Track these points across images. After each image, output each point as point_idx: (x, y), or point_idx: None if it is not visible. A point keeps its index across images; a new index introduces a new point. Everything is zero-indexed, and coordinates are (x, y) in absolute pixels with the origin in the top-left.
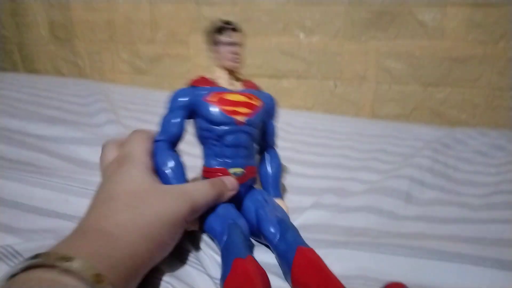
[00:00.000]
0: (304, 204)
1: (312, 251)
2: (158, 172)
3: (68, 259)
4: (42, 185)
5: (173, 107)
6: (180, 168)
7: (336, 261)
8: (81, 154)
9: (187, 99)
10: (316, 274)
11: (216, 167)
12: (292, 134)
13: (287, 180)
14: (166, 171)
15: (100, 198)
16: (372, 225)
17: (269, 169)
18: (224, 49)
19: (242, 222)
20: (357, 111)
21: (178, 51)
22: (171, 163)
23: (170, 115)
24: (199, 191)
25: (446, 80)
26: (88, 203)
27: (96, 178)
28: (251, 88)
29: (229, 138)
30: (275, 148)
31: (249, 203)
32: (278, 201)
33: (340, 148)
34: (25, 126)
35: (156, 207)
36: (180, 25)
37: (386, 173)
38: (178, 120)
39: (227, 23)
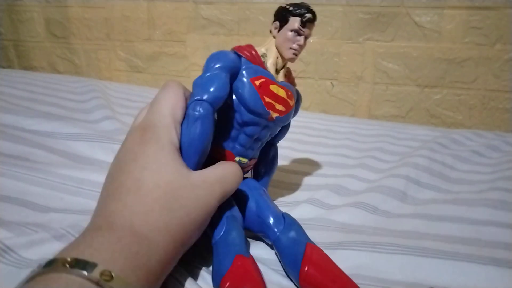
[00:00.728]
0: (300, 200)
1: (321, 250)
2: (184, 139)
3: (108, 277)
4: (36, 183)
5: (220, 66)
6: (208, 150)
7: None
8: (77, 149)
9: (233, 64)
10: (330, 273)
11: (224, 148)
12: (289, 133)
13: (284, 177)
14: (198, 154)
15: (125, 185)
16: (367, 223)
17: (267, 167)
18: (292, 37)
19: (238, 215)
20: (354, 111)
21: (175, 50)
22: (206, 143)
23: (216, 73)
24: (228, 179)
25: (442, 81)
26: (83, 202)
27: (92, 177)
28: (290, 83)
29: (253, 129)
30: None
31: (246, 191)
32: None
33: (337, 147)
34: (20, 121)
35: (190, 207)
36: (178, 24)
37: (382, 172)
38: (226, 80)
39: (311, 11)
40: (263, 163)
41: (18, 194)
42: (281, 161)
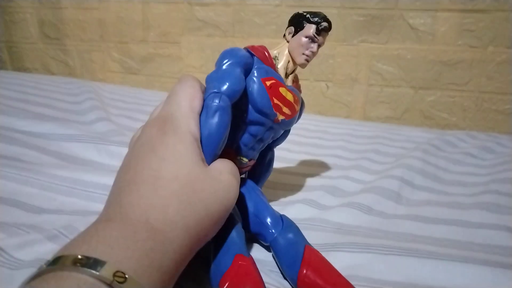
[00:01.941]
0: (295, 200)
1: (319, 253)
2: (202, 131)
3: (122, 278)
4: (29, 184)
5: (234, 61)
6: (225, 143)
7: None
8: (71, 150)
9: (246, 61)
10: (328, 276)
11: (226, 146)
12: None
13: (279, 178)
14: (216, 146)
15: (142, 176)
16: (362, 223)
17: (262, 170)
18: (306, 43)
19: (238, 214)
20: (349, 113)
21: (170, 51)
22: (224, 135)
23: (230, 68)
24: (237, 174)
25: (436, 83)
26: (76, 203)
27: (86, 178)
28: (297, 89)
29: (258, 129)
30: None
31: (244, 191)
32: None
33: (332, 148)
34: (13, 122)
35: (208, 201)
36: (172, 25)
37: (377, 174)
38: (241, 76)
39: (327, 21)
40: (259, 166)
41: (11, 195)
42: (277, 162)
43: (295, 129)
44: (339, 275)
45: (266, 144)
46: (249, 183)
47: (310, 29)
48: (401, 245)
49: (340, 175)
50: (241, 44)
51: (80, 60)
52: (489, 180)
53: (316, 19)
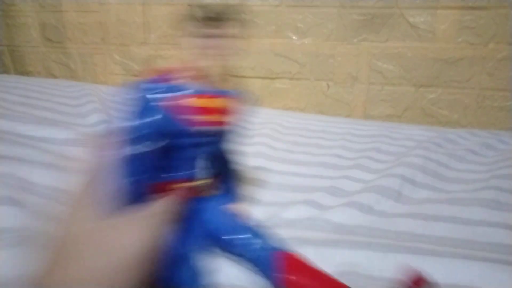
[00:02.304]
0: (296, 201)
1: (293, 255)
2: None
3: None
4: None
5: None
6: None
7: (326, 260)
8: (73, 153)
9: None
10: (310, 275)
11: (173, 179)
12: (285, 134)
13: (280, 179)
14: (111, 204)
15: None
16: (362, 223)
17: (230, 176)
18: (202, 42)
19: (191, 245)
20: (350, 111)
21: (171, 53)
22: (119, 189)
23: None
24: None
25: (437, 81)
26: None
27: None
28: (231, 89)
29: (193, 151)
30: None
31: (206, 210)
32: (235, 206)
33: (333, 148)
34: (16, 127)
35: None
36: (173, 27)
37: (378, 172)
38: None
39: (212, 10)
40: (225, 173)
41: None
42: (277, 163)
43: (295, 129)
44: (323, 273)
45: (219, 156)
46: (214, 200)
47: (196, 26)
48: (401, 243)
49: (340, 175)
50: (240, 45)
51: (82, 63)
52: (490, 176)
53: (200, 13)
